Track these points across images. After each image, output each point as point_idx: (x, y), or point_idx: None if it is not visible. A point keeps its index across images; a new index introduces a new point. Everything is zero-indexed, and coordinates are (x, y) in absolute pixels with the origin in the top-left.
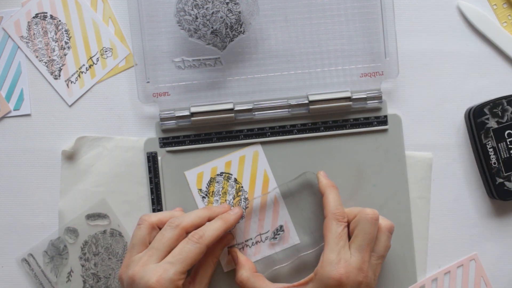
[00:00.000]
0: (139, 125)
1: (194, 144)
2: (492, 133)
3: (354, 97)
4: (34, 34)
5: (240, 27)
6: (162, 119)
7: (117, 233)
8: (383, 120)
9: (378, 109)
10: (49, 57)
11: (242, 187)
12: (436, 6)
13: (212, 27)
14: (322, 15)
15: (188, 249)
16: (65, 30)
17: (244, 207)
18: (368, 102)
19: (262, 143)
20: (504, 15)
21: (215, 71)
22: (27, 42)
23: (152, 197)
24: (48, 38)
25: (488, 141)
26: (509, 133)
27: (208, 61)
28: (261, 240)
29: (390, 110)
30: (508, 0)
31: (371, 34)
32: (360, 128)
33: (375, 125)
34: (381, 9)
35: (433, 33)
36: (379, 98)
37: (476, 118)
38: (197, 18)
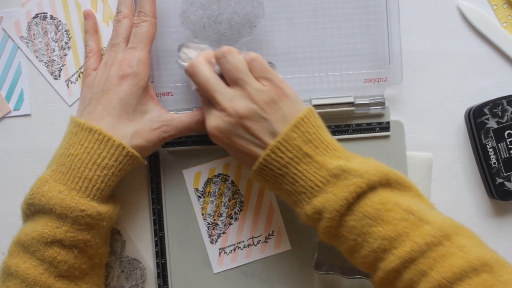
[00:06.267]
0: None
1: (196, 145)
2: (492, 133)
3: (357, 102)
4: (34, 34)
5: (245, 29)
6: None
7: (115, 231)
8: (386, 126)
9: (380, 115)
10: (49, 57)
11: (238, 190)
12: (436, 6)
13: (217, 29)
14: (328, 20)
15: (139, 31)
16: (65, 31)
17: (239, 210)
18: (371, 108)
19: None
20: (504, 15)
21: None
22: (27, 43)
23: (153, 196)
24: (48, 38)
25: (488, 141)
26: (509, 133)
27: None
28: (253, 244)
29: (390, 110)
30: (508, 0)
31: (376, 40)
32: (362, 133)
33: (377, 131)
34: (386, 14)
35: (433, 34)
36: (382, 104)
37: (476, 118)
38: (202, 19)
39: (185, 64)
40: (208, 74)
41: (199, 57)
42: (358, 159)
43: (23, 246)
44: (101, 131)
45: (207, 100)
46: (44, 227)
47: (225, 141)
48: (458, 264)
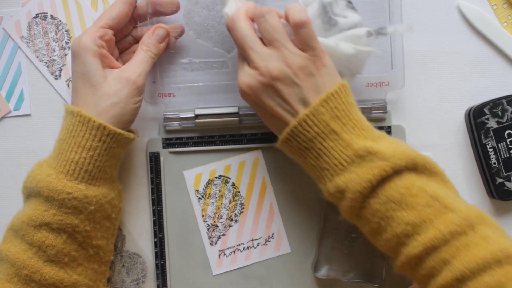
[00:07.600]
0: (141, 126)
1: (197, 146)
2: (492, 133)
3: (359, 106)
4: (34, 34)
5: None
6: (166, 120)
7: None
8: (387, 131)
9: (382, 119)
10: (50, 57)
11: (239, 192)
12: (436, 6)
13: (221, 30)
14: None
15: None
16: (66, 30)
17: (239, 212)
18: (372, 112)
19: (263, 150)
20: (504, 15)
21: (222, 74)
22: (27, 42)
23: (153, 197)
24: (49, 38)
25: (488, 141)
26: (509, 133)
27: (215, 64)
28: (253, 246)
29: (390, 109)
30: (508, 0)
31: (378, 44)
32: None
33: None
34: (389, 17)
35: (433, 33)
36: (384, 108)
37: (476, 118)
38: (206, 19)
39: (229, 13)
40: (246, 31)
41: (239, 11)
42: (386, 141)
43: (14, 230)
44: (81, 113)
45: (242, 56)
46: (33, 210)
47: (255, 100)
48: (482, 254)
